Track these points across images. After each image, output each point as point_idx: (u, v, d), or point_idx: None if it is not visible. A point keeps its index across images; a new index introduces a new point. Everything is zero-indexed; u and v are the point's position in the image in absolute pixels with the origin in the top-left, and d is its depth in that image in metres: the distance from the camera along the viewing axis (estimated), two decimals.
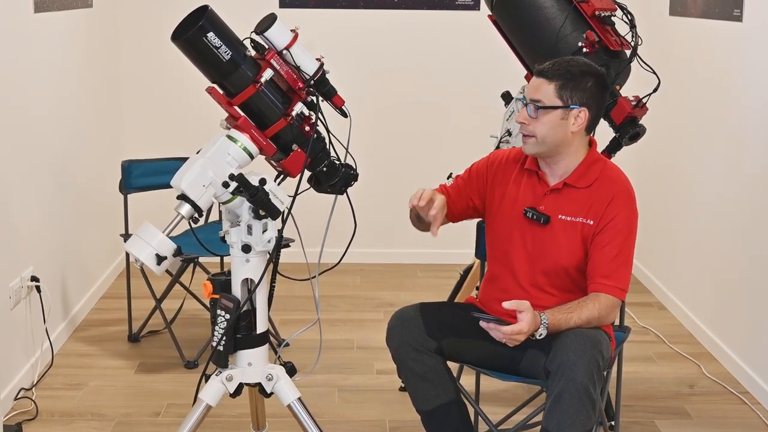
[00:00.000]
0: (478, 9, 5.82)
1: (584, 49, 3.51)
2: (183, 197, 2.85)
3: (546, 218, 3.09)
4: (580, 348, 2.84)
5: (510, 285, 3.16)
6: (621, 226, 3.05)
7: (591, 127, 3.10)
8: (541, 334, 2.89)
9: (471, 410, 3.28)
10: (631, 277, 3.12)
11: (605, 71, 3.13)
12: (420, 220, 3.21)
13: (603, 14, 3.58)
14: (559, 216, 3.09)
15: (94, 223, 5.35)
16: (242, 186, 2.85)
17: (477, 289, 3.65)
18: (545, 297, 3.10)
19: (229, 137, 2.92)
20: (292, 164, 2.97)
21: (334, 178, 3.06)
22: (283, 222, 3.00)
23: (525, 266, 3.14)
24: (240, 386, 3.08)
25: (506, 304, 2.85)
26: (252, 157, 2.94)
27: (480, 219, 3.49)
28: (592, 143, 3.17)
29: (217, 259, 4.87)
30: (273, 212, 2.92)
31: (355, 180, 3.11)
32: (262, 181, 2.90)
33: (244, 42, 2.92)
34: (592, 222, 3.06)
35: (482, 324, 2.88)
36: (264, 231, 2.97)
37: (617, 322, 3.46)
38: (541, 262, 3.11)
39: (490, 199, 3.25)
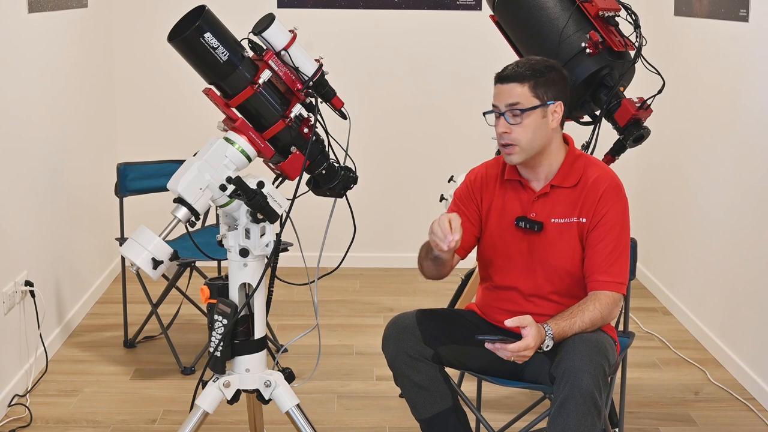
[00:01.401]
0: (480, 9, 5.82)
1: (587, 50, 3.51)
2: (179, 200, 2.85)
3: (539, 225, 3.09)
4: (586, 354, 2.84)
5: (511, 296, 3.16)
6: (614, 222, 3.06)
7: (563, 120, 3.12)
8: (548, 346, 2.89)
9: (472, 417, 3.28)
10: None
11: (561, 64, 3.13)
12: (437, 262, 3.08)
13: (607, 14, 3.58)
14: (552, 220, 3.09)
15: (89, 226, 5.35)
16: (240, 189, 2.85)
17: None
18: (549, 305, 3.11)
19: (227, 139, 2.92)
20: (291, 167, 2.97)
21: (333, 180, 3.06)
22: (282, 225, 3.00)
23: (525, 277, 3.13)
24: (237, 392, 3.08)
25: (508, 322, 2.85)
26: (250, 159, 2.94)
27: None
28: (568, 141, 3.18)
29: (215, 264, 4.88)
30: (271, 216, 2.92)
31: (355, 183, 3.11)
32: (260, 184, 2.90)
33: (241, 42, 2.92)
34: (585, 220, 3.07)
35: (488, 346, 2.88)
36: (262, 235, 2.97)
37: (621, 328, 3.46)
38: (543, 269, 3.11)
39: (480, 218, 3.22)
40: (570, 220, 3.08)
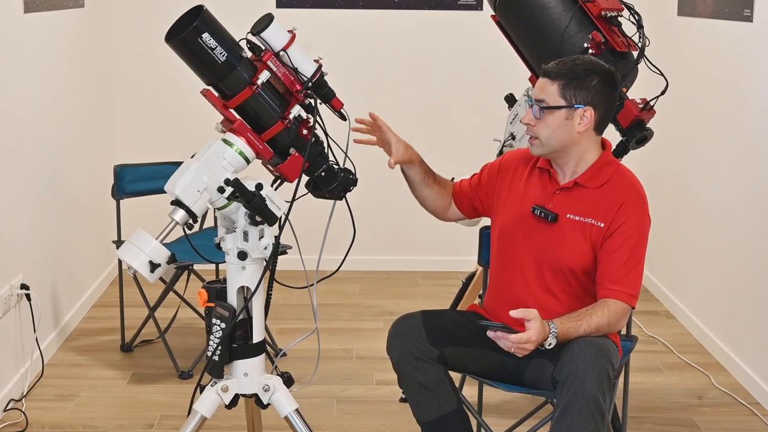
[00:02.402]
0: (481, 9, 5.82)
1: (590, 51, 3.51)
2: (177, 203, 2.85)
3: (554, 216, 3.10)
4: (590, 357, 2.84)
5: (517, 286, 3.16)
6: (632, 231, 3.06)
7: (600, 126, 3.11)
8: (550, 344, 2.89)
9: (474, 422, 3.28)
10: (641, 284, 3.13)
11: (613, 69, 3.14)
12: (407, 178, 3.46)
13: (609, 14, 3.58)
14: (568, 215, 3.11)
15: (86, 229, 5.35)
16: (238, 191, 2.85)
17: (480, 297, 3.65)
18: (552, 300, 3.11)
19: (225, 141, 2.91)
20: (290, 169, 2.97)
21: (333, 183, 3.06)
22: (280, 228, 3.00)
23: (532, 265, 3.14)
24: (236, 397, 3.07)
25: (513, 313, 2.86)
26: (248, 161, 2.93)
27: (483, 226, 3.49)
28: (605, 145, 3.19)
29: (212, 267, 4.87)
30: (270, 218, 2.92)
31: (354, 185, 3.11)
32: (259, 186, 2.90)
33: (239, 43, 2.92)
34: (602, 224, 3.07)
35: (489, 333, 2.88)
36: (260, 237, 2.96)
37: (624, 331, 3.46)
38: (548, 261, 3.12)
39: (496, 201, 3.28)
40: (585, 219, 3.09)
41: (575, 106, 3.03)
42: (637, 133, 3.61)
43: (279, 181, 3.03)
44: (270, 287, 3.07)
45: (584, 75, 3.04)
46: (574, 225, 3.10)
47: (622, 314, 3.03)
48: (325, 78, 2.98)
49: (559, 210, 3.12)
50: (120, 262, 4.39)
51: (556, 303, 3.10)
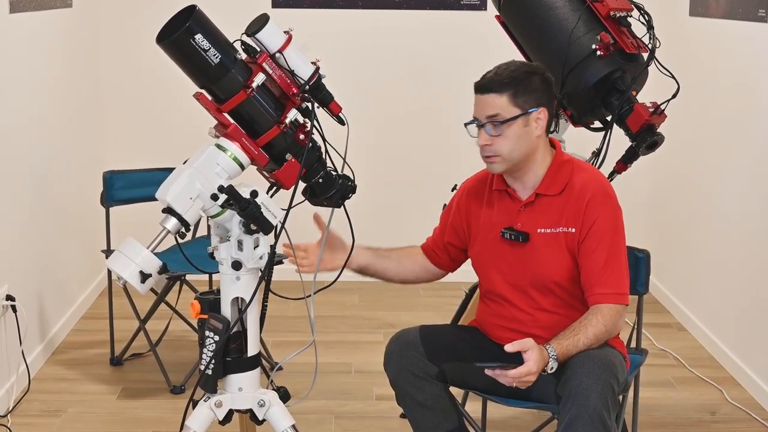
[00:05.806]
0: (485, 9, 5.82)
1: (598, 52, 3.51)
2: (169, 210, 2.85)
3: (525, 236, 3.10)
4: (593, 372, 2.84)
5: (507, 310, 3.16)
6: (605, 228, 3.05)
7: (549, 125, 3.13)
8: (552, 368, 2.89)
9: None
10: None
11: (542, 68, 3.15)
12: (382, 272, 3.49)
13: (618, 15, 3.59)
14: (539, 230, 3.10)
15: (74, 238, 5.35)
16: (232, 198, 2.85)
17: None
18: (549, 316, 3.12)
19: (218, 146, 2.91)
20: (286, 175, 2.96)
21: (331, 189, 3.06)
22: (276, 237, 3.00)
23: (514, 289, 3.15)
24: (230, 413, 3.07)
25: (508, 348, 2.85)
26: (243, 167, 2.93)
27: None
28: (555, 145, 3.19)
29: (206, 277, 4.87)
30: (265, 226, 2.92)
31: (353, 192, 3.11)
32: (254, 194, 2.90)
33: (234, 44, 2.92)
34: (573, 230, 3.07)
35: (488, 372, 2.87)
36: (255, 247, 2.96)
37: (633, 344, 3.45)
38: (530, 281, 3.12)
39: (468, 233, 3.28)
40: (556, 230, 3.08)
41: (529, 111, 3.03)
42: (647, 138, 3.61)
43: (275, 188, 3.03)
44: (265, 298, 3.07)
45: (527, 78, 3.05)
46: (548, 238, 3.09)
47: (617, 316, 3.03)
48: (323, 81, 2.98)
49: (529, 227, 3.11)
50: (109, 272, 4.39)
51: (554, 317, 3.10)
